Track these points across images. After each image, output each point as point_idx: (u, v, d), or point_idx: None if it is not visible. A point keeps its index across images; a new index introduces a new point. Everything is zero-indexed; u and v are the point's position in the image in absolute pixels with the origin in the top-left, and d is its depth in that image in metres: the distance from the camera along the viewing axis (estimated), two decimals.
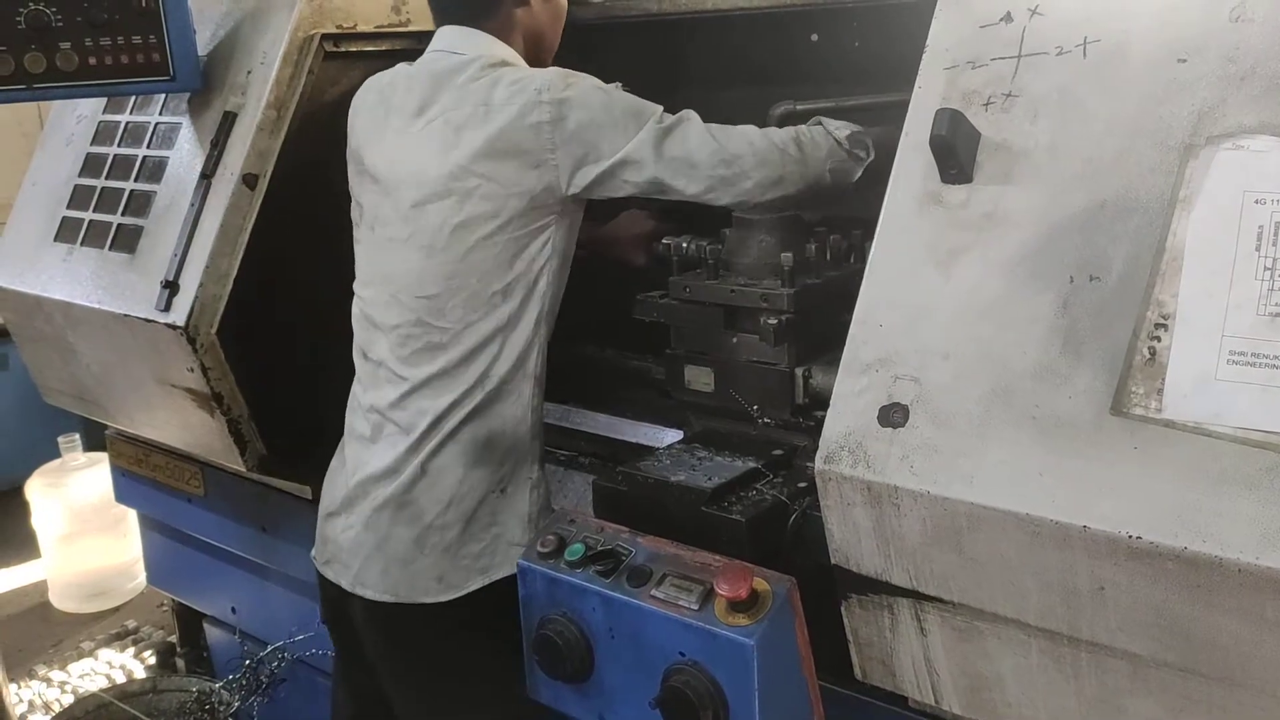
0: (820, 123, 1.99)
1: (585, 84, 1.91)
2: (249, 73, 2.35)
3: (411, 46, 2.49)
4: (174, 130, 2.46)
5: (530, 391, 1.96)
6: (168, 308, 2.27)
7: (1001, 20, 1.53)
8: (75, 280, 2.52)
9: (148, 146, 2.51)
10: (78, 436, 4.56)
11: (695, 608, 1.59)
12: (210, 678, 3.08)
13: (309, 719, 2.78)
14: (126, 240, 2.44)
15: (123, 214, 2.49)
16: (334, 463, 2.11)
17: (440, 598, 1.93)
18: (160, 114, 2.52)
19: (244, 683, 2.82)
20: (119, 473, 3.16)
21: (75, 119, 2.77)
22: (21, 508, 4.61)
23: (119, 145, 2.60)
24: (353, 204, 2.09)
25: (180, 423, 2.51)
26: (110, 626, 4.47)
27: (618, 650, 1.68)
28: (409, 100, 1.98)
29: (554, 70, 1.94)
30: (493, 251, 1.88)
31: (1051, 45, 1.48)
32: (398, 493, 1.94)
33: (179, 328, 2.25)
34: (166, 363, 2.36)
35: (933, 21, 1.59)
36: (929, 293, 1.49)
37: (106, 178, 2.59)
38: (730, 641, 1.54)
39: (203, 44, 2.41)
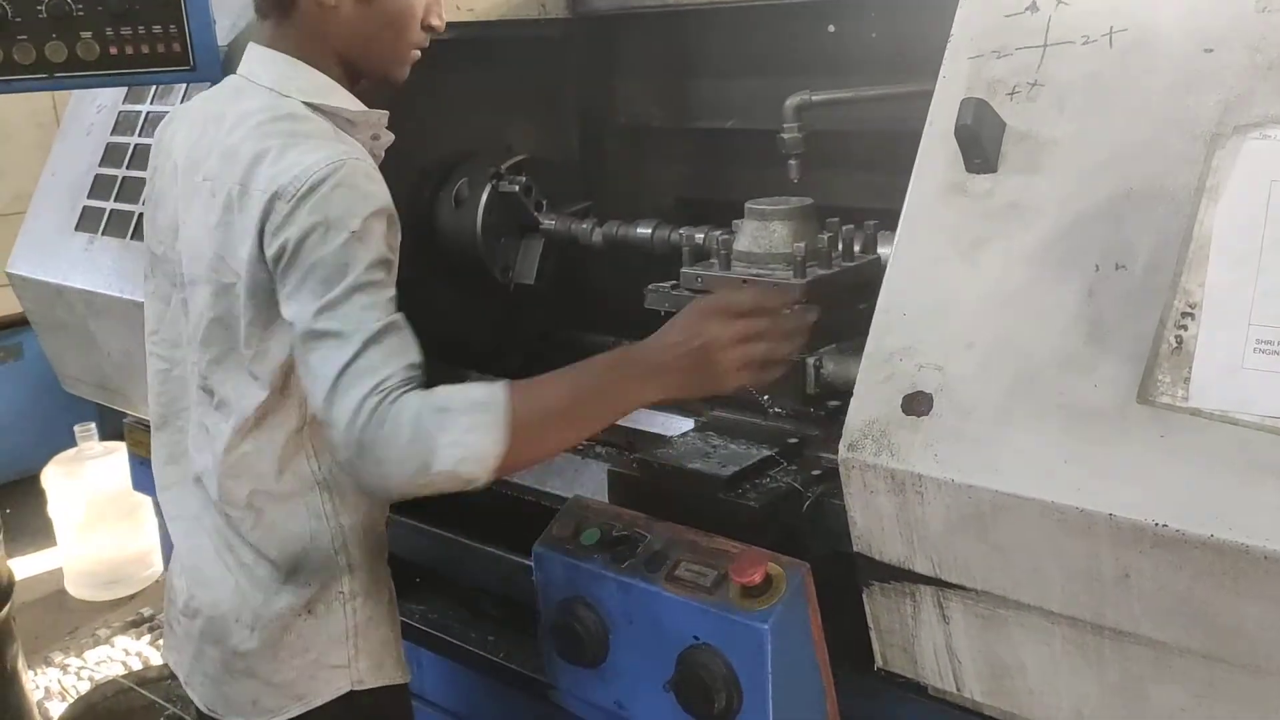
0: None
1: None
2: None
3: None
4: None
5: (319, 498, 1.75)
6: None
7: (1027, 9, 1.53)
8: (97, 269, 2.53)
9: None
10: (94, 425, 4.60)
11: (710, 592, 1.61)
12: None
13: None
14: None
15: (145, 203, 2.49)
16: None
17: None
18: (181, 104, 2.53)
19: None
20: (136, 461, 3.17)
21: (95, 109, 2.78)
22: (38, 496, 4.65)
23: (140, 135, 2.60)
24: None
25: None
26: (126, 614, 4.53)
27: (634, 634, 1.70)
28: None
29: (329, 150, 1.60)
30: None
31: (1078, 35, 1.48)
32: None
33: None
34: None
35: (957, 11, 1.59)
36: (953, 282, 1.49)
37: (127, 167, 2.59)
38: (744, 626, 1.56)
39: (223, 34, 2.40)
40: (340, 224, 1.54)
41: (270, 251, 1.56)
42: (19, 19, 2.18)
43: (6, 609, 3.15)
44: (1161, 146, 1.39)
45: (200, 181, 1.69)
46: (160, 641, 4.17)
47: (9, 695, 3.22)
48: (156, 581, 4.63)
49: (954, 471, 1.40)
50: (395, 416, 1.45)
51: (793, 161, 2.14)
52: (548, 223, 2.68)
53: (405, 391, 1.47)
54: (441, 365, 2.43)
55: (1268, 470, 1.22)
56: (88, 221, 2.62)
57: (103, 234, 2.56)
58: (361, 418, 1.44)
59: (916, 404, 1.45)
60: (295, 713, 1.75)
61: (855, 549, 1.54)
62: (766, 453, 1.86)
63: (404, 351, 1.52)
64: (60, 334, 2.78)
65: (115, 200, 2.57)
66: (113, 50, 2.24)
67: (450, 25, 2.46)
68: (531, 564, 1.81)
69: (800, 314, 1.65)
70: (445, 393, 1.50)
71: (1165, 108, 1.40)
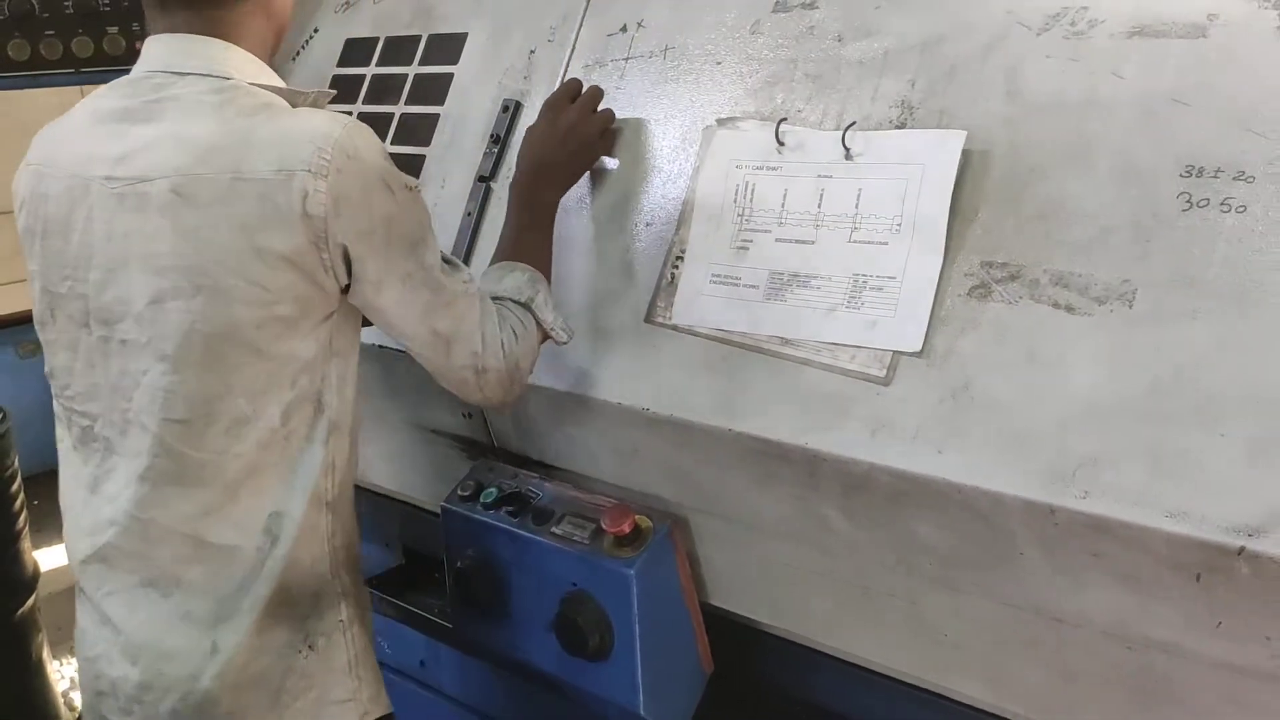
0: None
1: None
2: (531, 53, 2.11)
3: None
4: None
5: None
6: None
7: (620, 30, 1.98)
8: None
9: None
10: None
11: (586, 543, 1.77)
12: None
13: None
14: None
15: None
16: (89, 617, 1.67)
17: None
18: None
19: None
20: None
21: None
22: None
23: None
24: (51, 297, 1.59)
25: (433, 475, 2.29)
26: None
27: (524, 582, 1.85)
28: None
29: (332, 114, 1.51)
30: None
31: (647, 50, 1.93)
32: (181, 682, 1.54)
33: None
34: (431, 408, 2.13)
35: (580, 29, 2.03)
36: (564, 235, 1.90)
37: None
38: (613, 572, 1.72)
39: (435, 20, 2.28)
40: (397, 182, 1.51)
41: (343, 236, 1.45)
42: (46, 14, 2.28)
43: (32, 600, 3.12)
44: (684, 134, 1.84)
45: (134, 186, 1.45)
46: None
47: (34, 685, 3.21)
48: None
49: (546, 380, 1.84)
50: (514, 332, 1.67)
51: None
52: None
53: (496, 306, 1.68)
54: None
55: (708, 368, 1.67)
56: None
57: None
58: (507, 347, 1.65)
59: None
60: None
61: (496, 444, 2.01)
62: None
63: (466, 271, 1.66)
64: None
65: None
66: (138, 45, 2.30)
67: None
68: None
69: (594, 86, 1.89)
70: (510, 286, 1.72)
71: (693, 106, 1.85)
